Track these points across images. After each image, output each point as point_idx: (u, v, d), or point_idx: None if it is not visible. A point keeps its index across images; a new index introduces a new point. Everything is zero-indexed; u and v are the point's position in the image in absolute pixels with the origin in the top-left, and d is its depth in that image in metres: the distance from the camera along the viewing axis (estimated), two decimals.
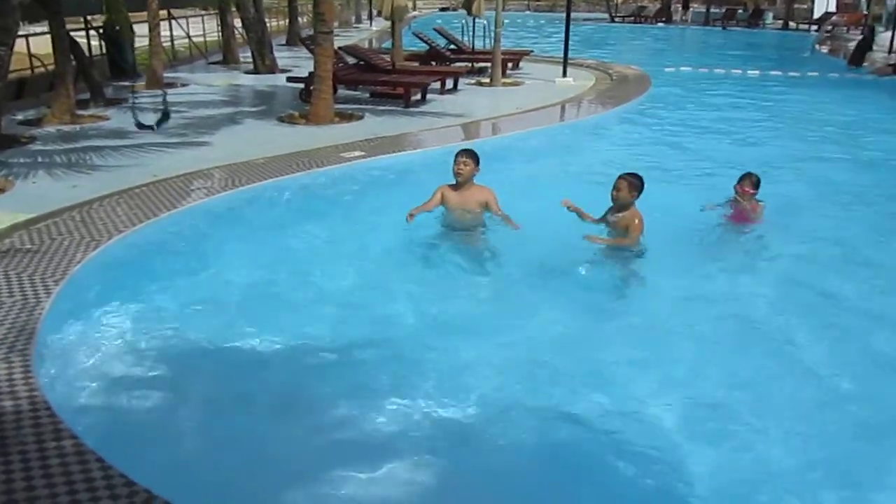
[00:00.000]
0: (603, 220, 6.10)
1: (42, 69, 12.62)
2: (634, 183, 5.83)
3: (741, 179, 6.57)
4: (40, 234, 5.69)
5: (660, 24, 37.44)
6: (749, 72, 17.99)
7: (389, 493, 3.29)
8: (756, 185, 6.54)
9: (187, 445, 3.63)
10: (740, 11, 37.16)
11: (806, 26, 33.12)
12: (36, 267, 5.04)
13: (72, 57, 10.79)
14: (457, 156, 6.12)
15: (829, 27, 31.06)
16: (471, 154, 6.14)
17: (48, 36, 10.64)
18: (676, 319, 5.02)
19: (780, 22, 35.64)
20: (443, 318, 4.94)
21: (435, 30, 18.28)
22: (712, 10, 37.00)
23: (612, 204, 5.94)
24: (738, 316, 5.08)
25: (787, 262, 6.01)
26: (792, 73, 17.84)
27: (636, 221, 5.83)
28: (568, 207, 6.09)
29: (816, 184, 8.38)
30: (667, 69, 18.26)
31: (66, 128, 9.93)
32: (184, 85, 14.32)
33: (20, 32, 9.81)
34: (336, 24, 11.42)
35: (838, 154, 9.98)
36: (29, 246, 5.43)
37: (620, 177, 5.87)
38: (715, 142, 10.74)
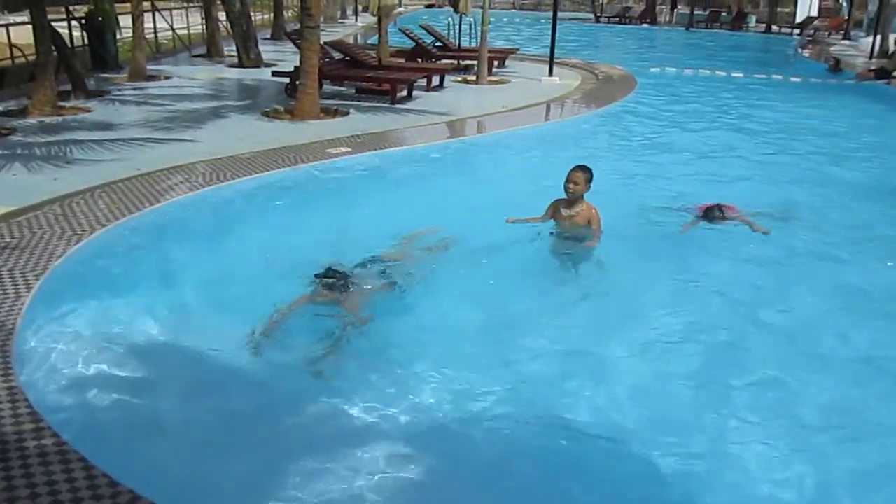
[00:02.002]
0: (554, 216, 6.06)
1: (23, 59, 12.44)
2: (589, 175, 5.83)
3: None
4: (20, 227, 5.59)
5: (644, 25, 37.63)
6: (733, 74, 18.09)
7: (378, 485, 3.26)
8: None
9: (171, 444, 3.57)
10: (724, 14, 37.45)
11: (788, 30, 33.37)
12: (16, 261, 4.94)
13: (53, 47, 10.63)
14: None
15: (812, 31, 31.32)
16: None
17: (29, 25, 10.47)
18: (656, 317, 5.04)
19: (763, 25, 35.89)
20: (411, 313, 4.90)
21: (421, 26, 18.23)
22: (696, 11, 37.22)
23: (561, 198, 5.93)
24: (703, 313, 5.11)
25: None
26: (775, 76, 17.96)
27: (595, 213, 5.90)
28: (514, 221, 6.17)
29: (802, 187, 8.42)
30: (652, 69, 18.33)
31: (47, 119, 9.79)
32: (167, 78, 14.17)
33: (0, 22, 9.64)
34: (322, 19, 11.32)
35: (818, 158, 10.01)
36: (8, 240, 5.33)
37: (576, 170, 5.84)
38: (698, 143, 10.77)
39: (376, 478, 3.30)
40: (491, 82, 15.11)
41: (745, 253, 6.16)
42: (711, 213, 6.48)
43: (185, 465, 3.42)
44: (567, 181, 5.83)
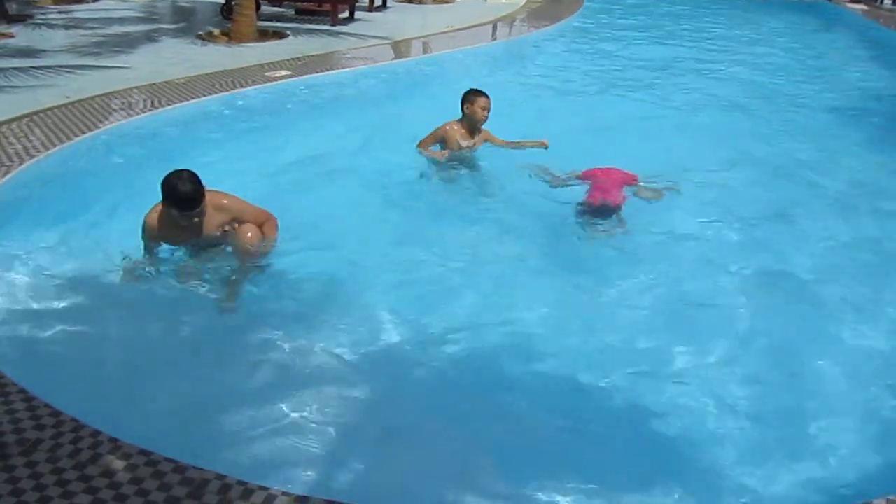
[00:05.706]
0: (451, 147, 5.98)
1: None
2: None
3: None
4: None
5: None
6: None
7: (315, 420, 3.30)
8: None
9: (114, 374, 3.54)
10: None
11: None
12: None
13: None
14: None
15: None
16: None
17: None
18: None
19: None
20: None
21: None
22: None
23: (454, 127, 5.90)
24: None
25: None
26: None
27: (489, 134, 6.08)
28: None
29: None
30: None
31: None
32: (95, 0, 13.46)
33: None
34: None
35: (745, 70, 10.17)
36: None
37: (485, 96, 5.78)
38: (644, 61, 10.78)
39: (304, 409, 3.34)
40: (436, 2, 14.76)
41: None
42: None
43: (127, 392, 3.39)
44: (484, 109, 5.78)
